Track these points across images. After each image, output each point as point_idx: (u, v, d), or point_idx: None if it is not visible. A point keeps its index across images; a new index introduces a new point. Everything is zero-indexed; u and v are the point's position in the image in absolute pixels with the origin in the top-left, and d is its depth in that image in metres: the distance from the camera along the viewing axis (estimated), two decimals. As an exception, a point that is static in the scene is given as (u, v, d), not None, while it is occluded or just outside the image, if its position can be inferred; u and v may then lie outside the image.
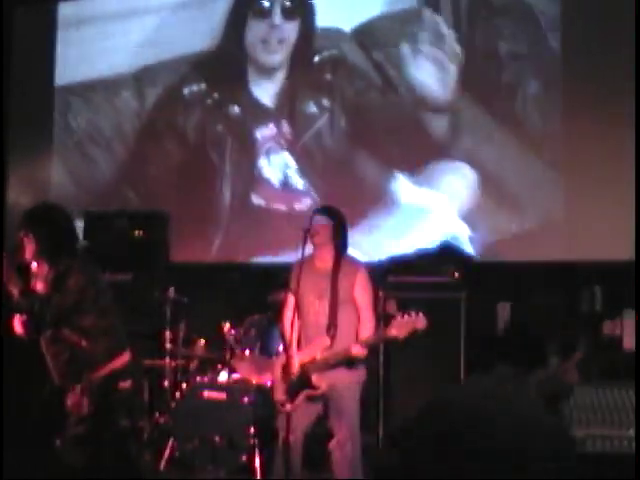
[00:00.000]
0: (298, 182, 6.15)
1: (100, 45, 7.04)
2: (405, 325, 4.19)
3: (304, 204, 6.09)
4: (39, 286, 4.28)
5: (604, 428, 3.98)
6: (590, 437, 3.96)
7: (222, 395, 5.62)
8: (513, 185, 5.64)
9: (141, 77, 6.83)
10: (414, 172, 5.87)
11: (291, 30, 6.22)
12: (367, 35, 5.99)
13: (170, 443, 5.64)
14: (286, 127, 6.19)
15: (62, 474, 4.38)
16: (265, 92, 6.32)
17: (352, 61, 6.03)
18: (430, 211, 5.75)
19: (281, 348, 5.05)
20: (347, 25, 6.03)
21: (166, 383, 6.14)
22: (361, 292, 4.48)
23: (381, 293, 5.86)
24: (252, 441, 5.39)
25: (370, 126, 5.99)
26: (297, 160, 6.18)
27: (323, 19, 6.19)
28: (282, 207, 6.19)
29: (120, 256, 6.66)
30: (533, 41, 5.72)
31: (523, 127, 5.74)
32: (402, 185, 5.84)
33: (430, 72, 5.86)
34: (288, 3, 6.21)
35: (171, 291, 6.22)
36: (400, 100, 5.96)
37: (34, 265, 4.31)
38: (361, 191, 6.01)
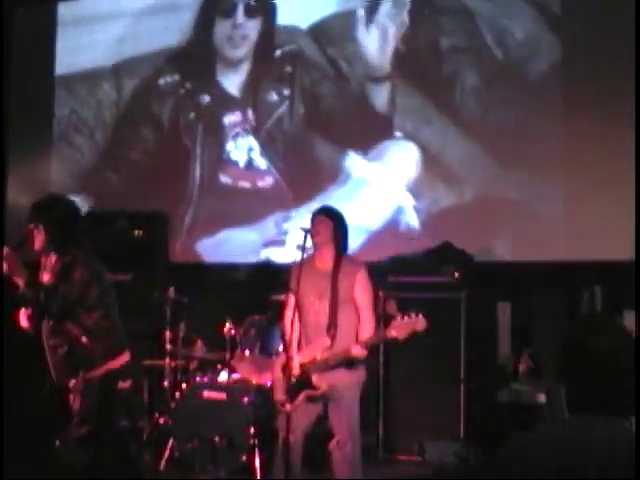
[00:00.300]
0: (261, 163, 6.80)
1: (83, 41, 7.69)
2: (405, 326, 4.19)
3: (266, 182, 6.77)
4: (46, 277, 4.30)
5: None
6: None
7: (222, 395, 5.62)
8: (453, 163, 6.19)
9: (119, 70, 7.48)
10: (366, 150, 6.46)
11: (253, 27, 6.92)
12: (321, 32, 6.65)
13: (170, 443, 5.64)
14: (251, 114, 6.85)
15: (62, 474, 4.38)
16: (232, 83, 6.96)
17: (309, 55, 6.70)
18: (380, 183, 6.35)
19: (281, 348, 5.05)
20: (304, 23, 6.69)
21: (166, 383, 6.14)
22: (361, 292, 4.48)
23: (381, 293, 5.86)
24: (252, 441, 5.39)
25: (325, 112, 6.63)
26: (260, 143, 6.84)
27: (283, 17, 6.85)
28: (247, 185, 6.84)
29: (120, 256, 6.66)
30: (471, 37, 6.25)
31: (461, 115, 6.23)
32: (355, 162, 6.47)
33: (372, 40, 6.49)
34: (251, 2, 6.93)
35: (171, 291, 6.22)
36: (351, 88, 6.60)
37: (43, 259, 4.34)
38: (318, 169, 6.65)
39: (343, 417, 4.42)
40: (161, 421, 6.08)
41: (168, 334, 6.14)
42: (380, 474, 5.72)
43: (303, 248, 4.47)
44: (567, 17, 6.43)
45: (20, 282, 4.17)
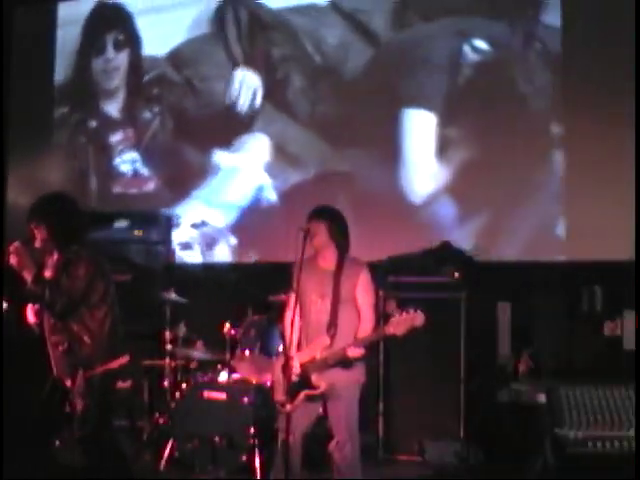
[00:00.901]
0: (144, 171, 8.00)
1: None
2: (403, 322, 4.19)
3: (150, 187, 7.97)
4: (48, 274, 4.30)
5: (604, 428, 3.98)
6: (590, 437, 3.96)
7: (222, 395, 5.62)
8: (294, 149, 7.42)
9: None
10: (228, 145, 7.67)
11: (122, 59, 8.24)
12: (176, 58, 7.96)
13: (170, 443, 5.64)
14: (131, 132, 8.10)
15: (62, 474, 4.38)
16: (113, 108, 8.24)
17: (170, 77, 7.98)
18: (243, 170, 7.62)
19: (281, 348, 5.05)
20: (162, 51, 7.99)
21: (166, 383, 6.14)
22: (363, 293, 4.48)
23: (381, 293, 5.87)
24: (252, 441, 5.39)
25: (190, 121, 7.87)
26: (142, 155, 8.04)
27: (146, 48, 8.11)
28: (135, 191, 8.01)
29: (120, 256, 6.68)
30: (295, 47, 7.46)
31: (295, 111, 7.44)
32: (221, 156, 7.70)
33: (220, 56, 7.81)
34: (120, 37, 8.24)
35: (171, 291, 6.23)
36: (205, 100, 7.84)
37: (46, 257, 4.35)
38: (191, 169, 7.83)
39: (342, 417, 4.42)
40: (161, 421, 6.08)
41: (168, 334, 6.14)
42: (380, 474, 5.72)
43: (303, 248, 4.47)
44: (568, 17, 6.45)
45: (28, 277, 4.18)
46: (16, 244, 4.20)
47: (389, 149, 7.00)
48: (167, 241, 7.42)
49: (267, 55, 7.57)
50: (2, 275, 4.59)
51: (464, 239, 6.54)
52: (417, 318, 4.20)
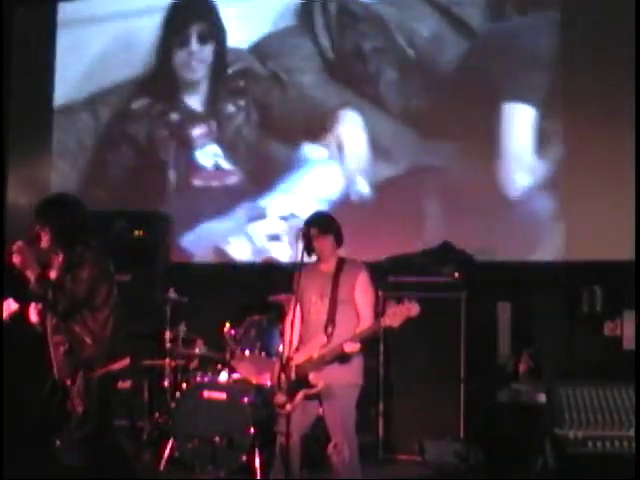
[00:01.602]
0: (225, 165, 7.88)
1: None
2: (399, 314, 4.20)
3: (231, 180, 7.83)
4: (53, 275, 4.30)
5: (604, 428, 3.98)
6: (590, 437, 3.96)
7: (222, 395, 5.62)
8: (385, 142, 7.28)
9: (94, 100, 8.39)
10: (316, 138, 7.50)
11: (207, 52, 8.09)
12: (261, 50, 7.82)
13: (170, 443, 5.65)
14: (214, 126, 7.96)
15: (62, 474, 4.38)
16: (195, 101, 8.09)
17: (255, 70, 7.84)
18: (332, 163, 7.47)
19: (281, 348, 5.06)
20: (246, 44, 7.86)
21: (166, 383, 6.15)
22: (361, 293, 4.50)
23: (381, 293, 5.87)
24: (252, 441, 5.39)
25: (274, 116, 7.74)
26: (224, 149, 7.91)
27: (230, 40, 7.99)
28: (215, 184, 7.89)
29: (120, 256, 6.66)
30: (386, 40, 7.31)
31: (386, 103, 7.30)
32: (308, 148, 7.54)
33: (307, 49, 7.67)
34: (205, 29, 8.11)
35: (171, 291, 6.23)
36: (293, 93, 7.67)
37: (53, 258, 4.35)
38: (276, 163, 7.70)
39: (338, 418, 4.41)
40: (161, 421, 6.08)
41: (168, 334, 6.14)
42: (380, 474, 5.72)
43: (302, 250, 4.50)
44: (567, 17, 6.45)
45: (31, 277, 4.18)
46: (19, 243, 4.20)
47: (483, 143, 6.82)
48: (167, 241, 7.42)
49: (357, 47, 7.39)
50: (2, 275, 4.58)
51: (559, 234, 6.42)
52: (412, 308, 4.21)
